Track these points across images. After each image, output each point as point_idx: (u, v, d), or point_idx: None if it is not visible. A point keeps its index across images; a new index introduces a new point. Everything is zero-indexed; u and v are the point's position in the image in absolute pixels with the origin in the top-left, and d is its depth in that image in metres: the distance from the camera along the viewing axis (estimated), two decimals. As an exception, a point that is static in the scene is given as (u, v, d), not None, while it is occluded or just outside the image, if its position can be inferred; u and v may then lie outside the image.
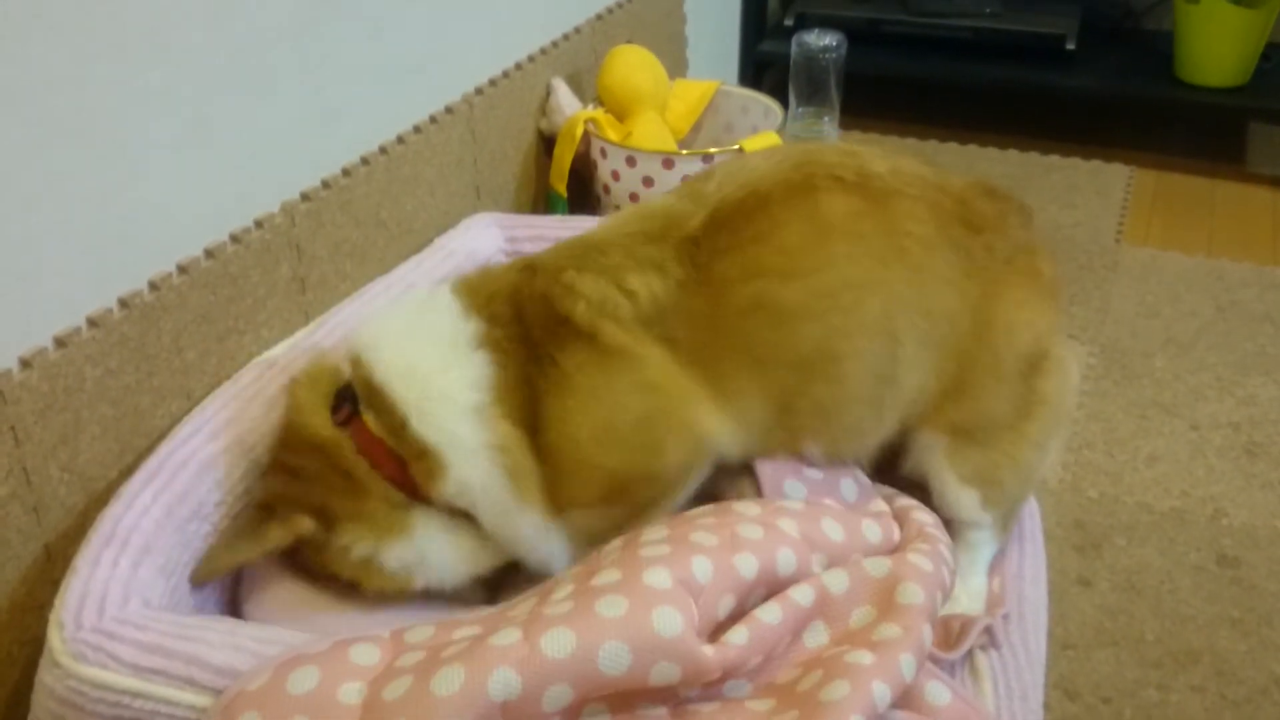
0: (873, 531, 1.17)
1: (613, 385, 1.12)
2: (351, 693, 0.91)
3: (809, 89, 2.30)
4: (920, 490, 1.28)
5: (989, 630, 1.23)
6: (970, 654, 1.22)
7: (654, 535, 1.02)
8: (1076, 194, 2.55)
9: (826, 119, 2.32)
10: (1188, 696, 1.34)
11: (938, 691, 1.12)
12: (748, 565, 1.04)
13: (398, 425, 1.10)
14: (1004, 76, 2.77)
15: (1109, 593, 1.48)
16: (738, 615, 1.03)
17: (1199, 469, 1.71)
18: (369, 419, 1.11)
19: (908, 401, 1.17)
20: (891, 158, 1.21)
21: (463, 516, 1.14)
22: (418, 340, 1.14)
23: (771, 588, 1.07)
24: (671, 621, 0.93)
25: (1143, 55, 2.82)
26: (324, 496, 1.11)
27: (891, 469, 1.30)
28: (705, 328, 1.13)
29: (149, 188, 1.18)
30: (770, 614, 1.03)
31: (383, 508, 1.11)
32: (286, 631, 1.05)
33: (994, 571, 1.30)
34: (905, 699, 1.12)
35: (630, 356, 1.11)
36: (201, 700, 0.97)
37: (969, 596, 1.26)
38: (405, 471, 1.11)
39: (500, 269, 1.21)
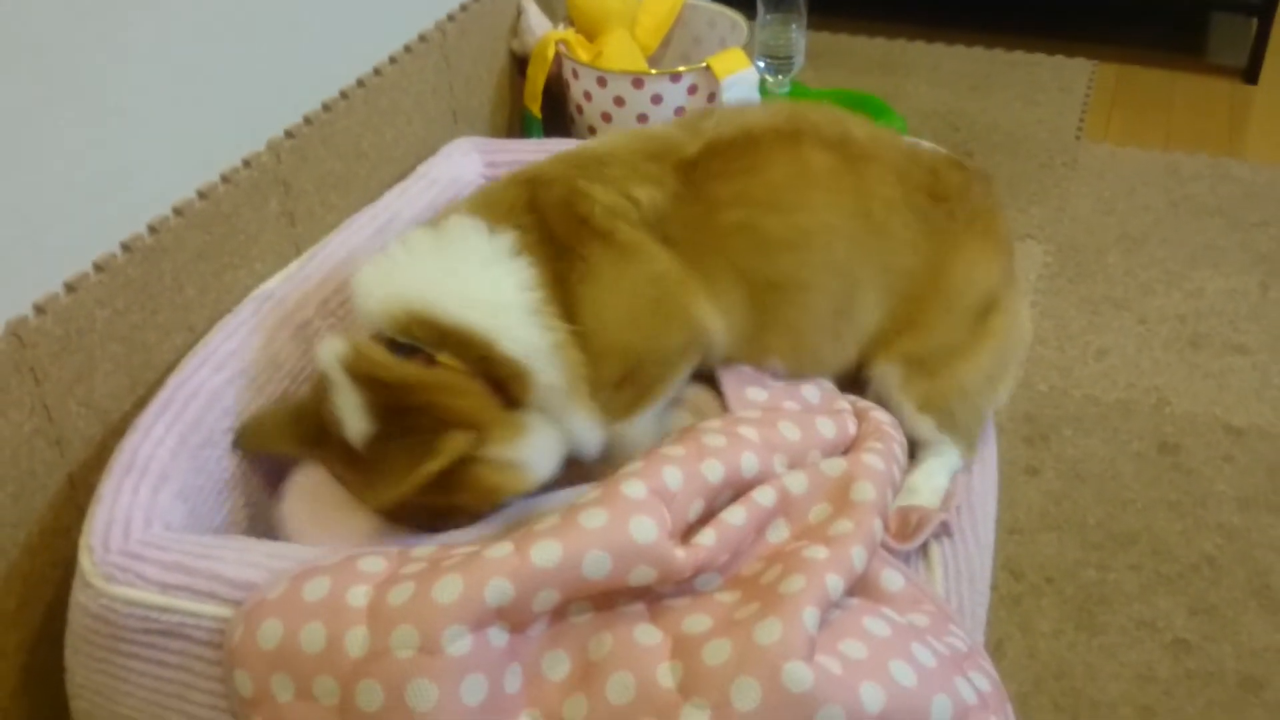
0: (827, 428, 1.28)
1: (630, 274, 1.23)
2: (359, 595, 1.02)
3: (775, -5, 2.35)
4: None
5: (944, 524, 1.34)
6: (925, 543, 1.33)
7: (631, 468, 1.12)
8: (1039, 91, 2.61)
9: (794, 25, 2.36)
10: (1125, 574, 1.46)
11: (892, 578, 1.23)
12: (714, 471, 1.14)
13: (485, 353, 1.17)
14: (969, -27, 2.81)
15: (1054, 480, 1.59)
16: (707, 517, 1.14)
17: (1145, 361, 1.81)
18: (446, 359, 1.18)
19: (863, 336, 1.32)
20: (873, 127, 1.36)
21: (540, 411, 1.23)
22: (461, 270, 1.21)
23: (737, 489, 1.17)
24: (647, 528, 1.04)
25: (1104, -52, 2.86)
26: (462, 419, 1.15)
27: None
28: (698, 235, 1.26)
29: (142, 136, 1.26)
30: (736, 516, 1.13)
31: (507, 417, 1.18)
32: (296, 547, 1.15)
33: (949, 468, 1.42)
34: (862, 586, 1.23)
35: (642, 251, 1.24)
36: (223, 611, 1.07)
37: (930, 491, 1.37)
38: (502, 387, 1.19)
39: (497, 187, 1.29)
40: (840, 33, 2.88)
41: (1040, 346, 1.83)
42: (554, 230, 1.23)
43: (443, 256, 1.23)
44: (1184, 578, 1.45)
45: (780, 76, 2.41)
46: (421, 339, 1.18)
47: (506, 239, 1.22)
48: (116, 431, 1.23)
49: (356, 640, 0.99)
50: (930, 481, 1.37)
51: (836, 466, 1.22)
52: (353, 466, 1.20)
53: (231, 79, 1.37)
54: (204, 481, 1.24)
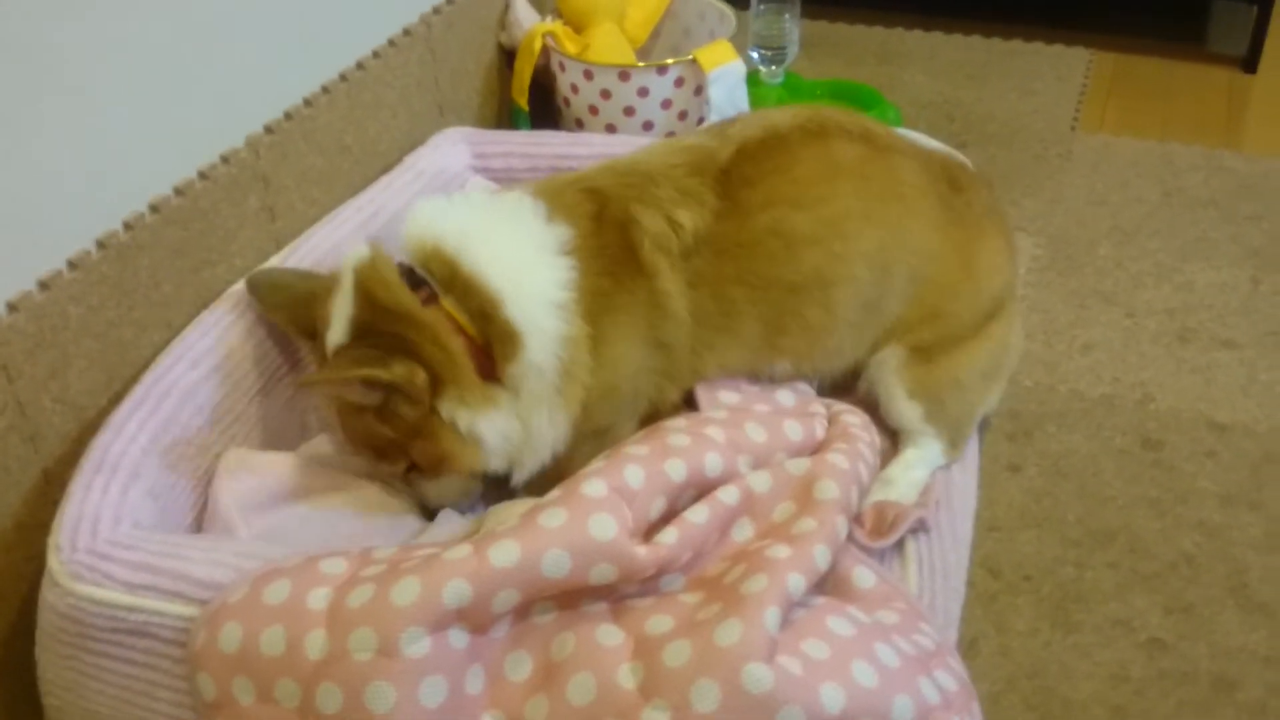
0: (794, 430, 1.28)
1: (647, 335, 1.28)
2: (319, 598, 1.02)
3: (769, -15, 2.33)
4: (871, 412, 1.41)
5: (921, 520, 1.34)
6: (901, 539, 1.33)
7: (592, 467, 1.12)
8: (1036, 80, 2.60)
9: (788, 15, 2.35)
10: (1102, 572, 1.45)
11: (863, 575, 1.23)
12: (676, 470, 1.15)
13: (488, 309, 1.20)
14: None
15: (1036, 477, 1.59)
16: (669, 516, 1.14)
17: (1131, 356, 1.80)
18: (449, 304, 1.21)
19: (886, 327, 1.36)
20: (889, 128, 1.41)
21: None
22: (506, 238, 1.24)
23: (701, 489, 1.18)
24: (606, 527, 1.04)
25: (1104, -64, 2.84)
26: (429, 363, 1.18)
27: (848, 390, 1.42)
28: (726, 255, 1.29)
29: (118, 133, 1.26)
30: (698, 515, 1.14)
31: (476, 382, 1.21)
32: (264, 546, 1.16)
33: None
34: (833, 583, 1.23)
35: (668, 310, 1.28)
36: (189, 611, 1.08)
37: (907, 485, 1.37)
38: (485, 355, 1.21)
39: (561, 187, 1.32)
40: (838, 21, 2.87)
41: (1027, 341, 1.83)
42: (609, 248, 1.26)
43: (494, 218, 1.26)
44: (1161, 576, 1.45)
45: (774, 67, 2.40)
46: (435, 275, 1.21)
47: (563, 234, 1.24)
48: (92, 427, 1.24)
49: (316, 643, 1.00)
50: (908, 474, 1.38)
51: (800, 465, 1.22)
52: (321, 367, 1.25)
53: (210, 75, 1.37)
54: (176, 479, 1.25)
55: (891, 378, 1.38)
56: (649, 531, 1.12)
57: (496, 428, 1.22)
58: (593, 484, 1.08)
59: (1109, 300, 1.92)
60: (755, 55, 2.40)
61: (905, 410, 1.38)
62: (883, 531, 1.33)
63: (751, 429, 1.25)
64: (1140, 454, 1.62)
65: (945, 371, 1.38)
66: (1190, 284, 1.95)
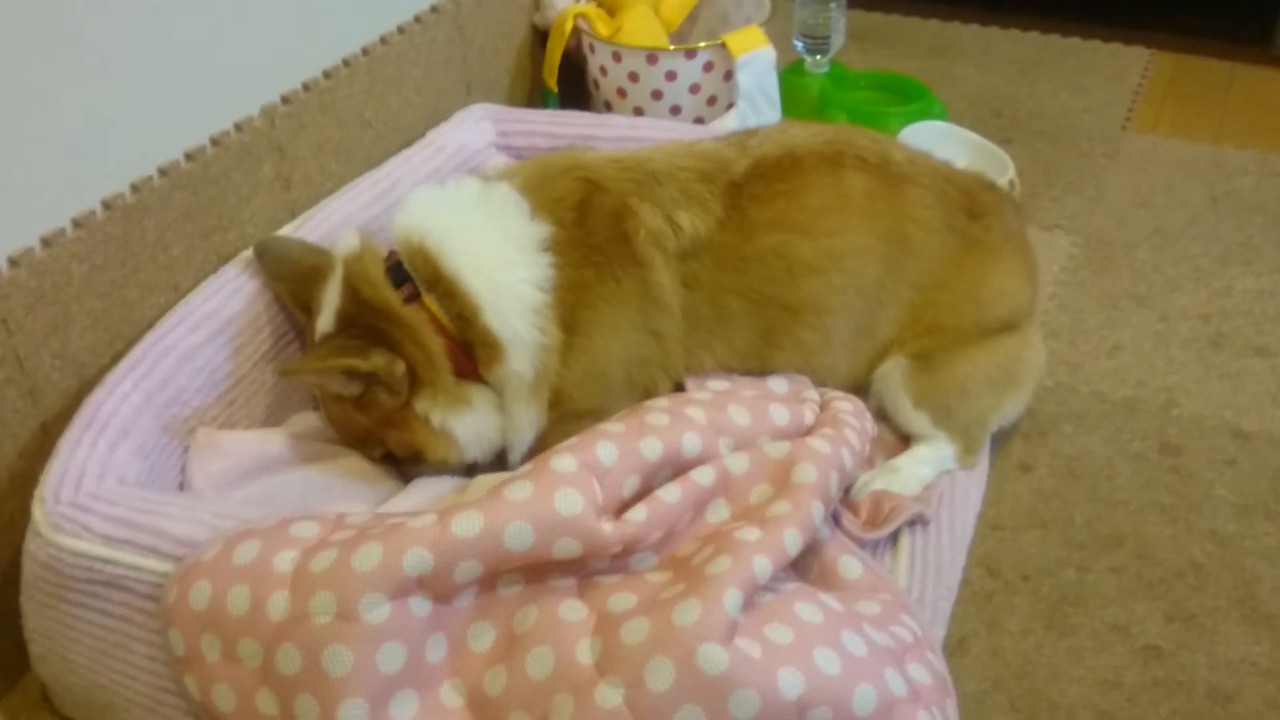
0: (780, 414, 1.27)
1: (637, 322, 1.29)
2: (286, 561, 1.03)
3: (816, -27, 2.31)
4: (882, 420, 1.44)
5: (919, 515, 1.32)
6: (896, 531, 1.32)
7: (566, 443, 1.12)
8: (1090, 78, 2.54)
9: (834, 4, 2.33)
10: (1105, 577, 1.42)
11: (850, 565, 1.22)
12: (652, 448, 1.14)
13: (468, 314, 1.23)
14: (1027, -44, 2.75)
15: (1047, 477, 1.55)
16: (644, 494, 1.14)
17: (1159, 359, 1.76)
18: (430, 303, 1.23)
19: (879, 349, 1.38)
20: (911, 150, 1.41)
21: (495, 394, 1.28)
22: (487, 236, 1.26)
23: (679, 469, 1.17)
24: (572, 501, 1.04)
25: (1170, -67, 2.78)
26: (407, 360, 1.22)
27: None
28: (726, 265, 1.31)
29: (129, 95, 1.28)
30: (670, 493, 1.13)
31: (451, 381, 1.24)
32: (242, 507, 1.18)
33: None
34: (819, 571, 1.22)
35: (661, 301, 1.29)
36: (164, 566, 1.10)
37: (912, 477, 1.37)
38: (465, 354, 1.24)
39: (556, 172, 1.32)
40: (892, 14, 2.83)
41: (1052, 340, 1.79)
42: (594, 237, 1.27)
43: (478, 214, 1.27)
44: (1166, 583, 1.41)
45: (818, 56, 2.37)
46: (419, 272, 1.23)
47: (543, 230, 1.25)
48: (92, 384, 1.26)
49: (278, 605, 1.01)
50: (915, 468, 1.37)
51: (780, 449, 1.21)
52: (309, 349, 1.29)
53: (226, 44, 1.39)
54: (168, 439, 1.27)
55: (897, 389, 1.39)
56: (621, 509, 1.11)
57: (469, 425, 1.25)
58: (563, 459, 1.08)
59: (1142, 303, 1.88)
60: (800, 45, 2.38)
61: (913, 418, 1.39)
62: (877, 523, 1.32)
63: (735, 411, 1.24)
64: (1157, 459, 1.58)
65: (948, 378, 1.38)
66: (1229, 289, 1.90)
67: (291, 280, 1.33)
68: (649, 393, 1.33)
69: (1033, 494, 1.53)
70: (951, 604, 1.31)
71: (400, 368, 1.20)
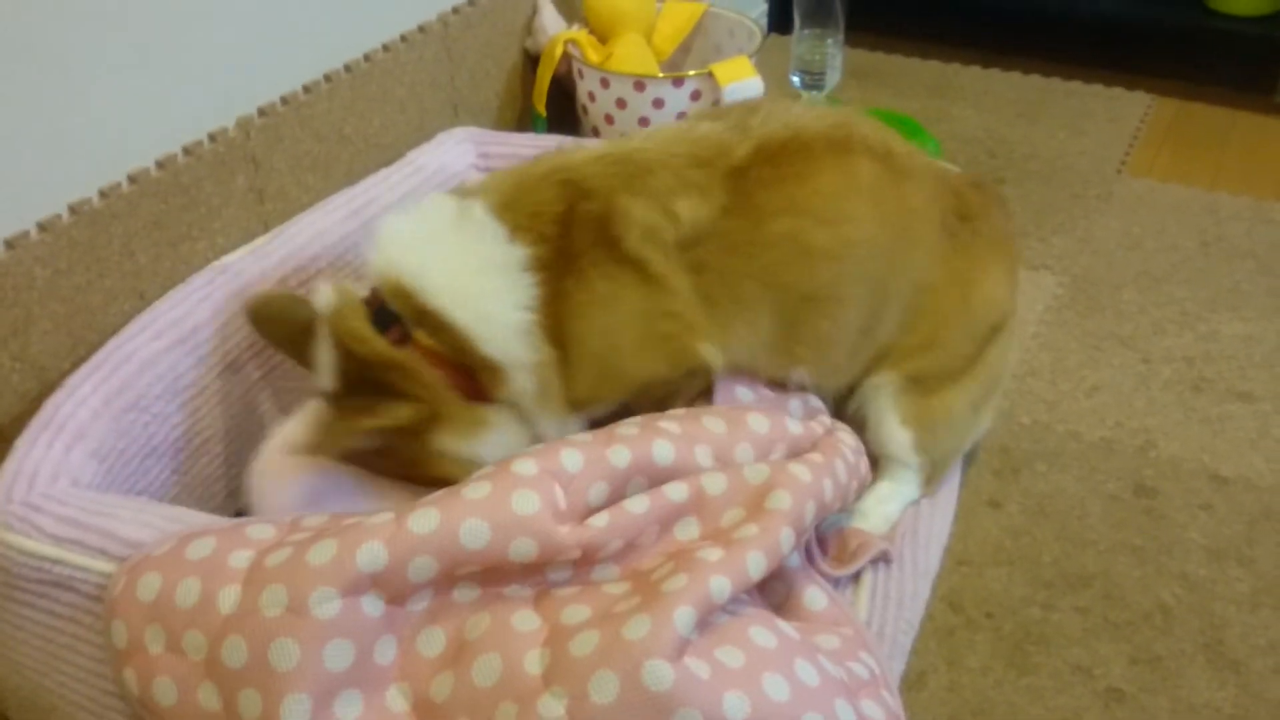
0: (759, 423, 1.25)
1: (647, 308, 1.24)
2: (241, 558, 1.03)
3: (813, 9, 2.32)
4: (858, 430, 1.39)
5: (885, 553, 1.31)
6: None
7: (529, 449, 1.11)
8: (1088, 121, 2.54)
9: (830, 41, 2.34)
10: (1070, 616, 1.40)
11: (815, 596, 1.21)
12: (620, 455, 1.13)
13: (463, 345, 1.19)
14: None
15: (1017, 515, 1.54)
16: (613, 503, 1.12)
17: (1139, 401, 1.74)
18: (422, 337, 1.20)
19: (878, 350, 1.34)
20: (908, 144, 1.37)
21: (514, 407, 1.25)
22: (466, 267, 1.21)
23: (654, 478, 1.16)
24: (529, 502, 1.03)
25: (1173, -20, 2.78)
26: (415, 400, 1.18)
27: (839, 410, 1.40)
28: (737, 251, 1.26)
29: (100, 101, 1.29)
30: (637, 504, 1.12)
31: (463, 411, 1.21)
32: (192, 512, 1.17)
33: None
34: (785, 600, 1.21)
35: (666, 285, 1.24)
36: (110, 568, 1.09)
37: (879, 517, 1.35)
38: (471, 378, 1.21)
39: (533, 181, 1.27)
40: (894, 53, 2.84)
41: (1031, 379, 1.78)
42: (577, 246, 1.23)
43: (453, 243, 1.23)
44: (1133, 625, 1.40)
45: (815, 92, 2.38)
46: (405, 313, 1.20)
47: (522, 252, 1.21)
48: (52, 388, 1.26)
49: (229, 598, 1.00)
50: (881, 507, 1.35)
51: (760, 473, 1.20)
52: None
53: (203, 52, 1.39)
54: (126, 445, 1.27)
55: (886, 403, 1.36)
56: (587, 515, 1.10)
57: (492, 444, 1.22)
58: (523, 463, 1.07)
59: (1125, 344, 1.86)
60: (796, 80, 2.39)
61: (896, 436, 1.36)
62: (844, 560, 1.30)
63: (709, 421, 1.23)
64: (1131, 501, 1.57)
65: (941, 403, 1.36)
66: (1214, 334, 1.89)
67: (294, 344, 1.28)
68: (689, 364, 1.30)
69: (1001, 531, 1.52)
70: (912, 638, 1.29)
71: (411, 412, 1.17)
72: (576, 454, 1.11)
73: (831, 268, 1.27)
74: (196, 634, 1.00)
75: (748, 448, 1.23)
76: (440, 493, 1.05)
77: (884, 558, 1.31)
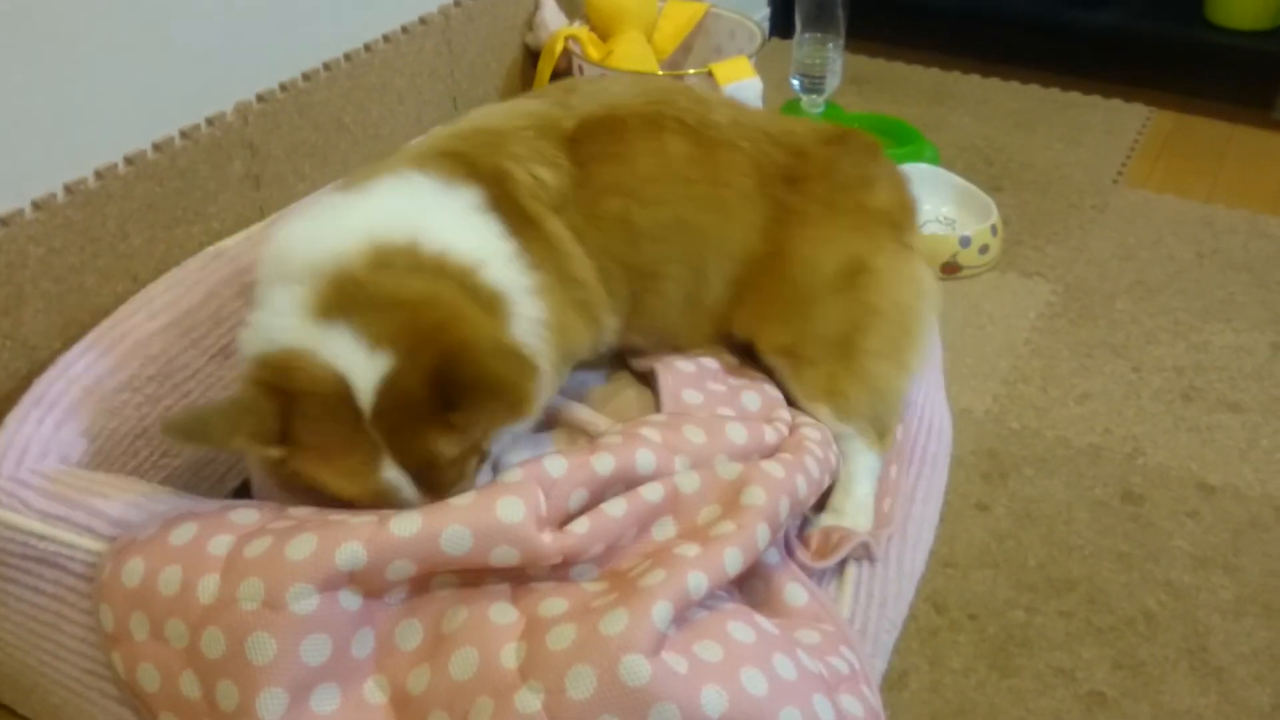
0: (738, 433, 1.25)
1: (567, 269, 1.22)
2: (221, 545, 1.03)
3: (815, 13, 2.33)
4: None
5: (866, 546, 1.31)
6: (844, 562, 1.30)
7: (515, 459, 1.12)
8: (1086, 132, 2.55)
9: (831, 45, 2.35)
10: (1053, 620, 1.41)
11: (795, 592, 1.21)
12: (604, 463, 1.13)
13: (467, 280, 1.10)
14: (1030, 10, 2.76)
15: (1003, 519, 1.54)
16: (592, 508, 1.13)
17: (1129, 409, 1.75)
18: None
19: (714, 318, 1.32)
20: (737, 109, 1.34)
21: None
22: (432, 213, 1.14)
23: (632, 485, 1.16)
24: (513, 509, 1.03)
25: (1173, -6, 2.79)
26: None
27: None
28: (590, 223, 1.24)
29: (99, 82, 1.29)
30: (615, 508, 1.12)
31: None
32: (179, 494, 1.17)
33: (888, 491, 1.38)
34: (765, 597, 1.21)
35: (564, 247, 1.22)
36: (97, 546, 1.09)
37: (853, 507, 1.34)
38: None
39: (426, 155, 1.22)
40: (895, 60, 2.85)
41: (1022, 384, 1.79)
42: (500, 202, 1.19)
43: (404, 202, 1.16)
44: (1116, 630, 1.40)
45: (814, 96, 2.39)
46: (401, 267, 1.08)
47: (470, 195, 1.16)
48: (43, 367, 1.26)
49: (208, 588, 1.00)
50: (850, 499, 1.33)
51: (732, 470, 1.20)
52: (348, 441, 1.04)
53: (202, 37, 1.40)
54: (118, 424, 1.27)
55: (788, 383, 1.34)
56: (566, 521, 1.11)
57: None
58: (510, 471, 1.08)
59: (1117, 353, 1.87)
60: (796, 83, 2.39)
61: (814, 411, 1.33)
62: (825, 553, 1.31)
63: (690, 430, 1.23)
64: (1118, 507, 1.57)
65: (835, 368, 1.32)
66: (1206, 344, 1.89)
67: (227, 430, 1.05)
68: (599, 334, 1.28)
69: (987, 534, 1.52)
70: (895, 637, 1.29)
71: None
72: (560, 460, 1.11)
73: (654, 247, 1.27)
74: (178, 622, 1.00)
75: (724, 459, 1.24)
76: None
77: (866, 552, 1.31)
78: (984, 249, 2.04)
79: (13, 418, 1.19)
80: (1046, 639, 1.38)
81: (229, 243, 1.45)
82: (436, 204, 1.17)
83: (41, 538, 1.11)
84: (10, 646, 1.15)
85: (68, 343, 1.29)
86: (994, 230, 2.06)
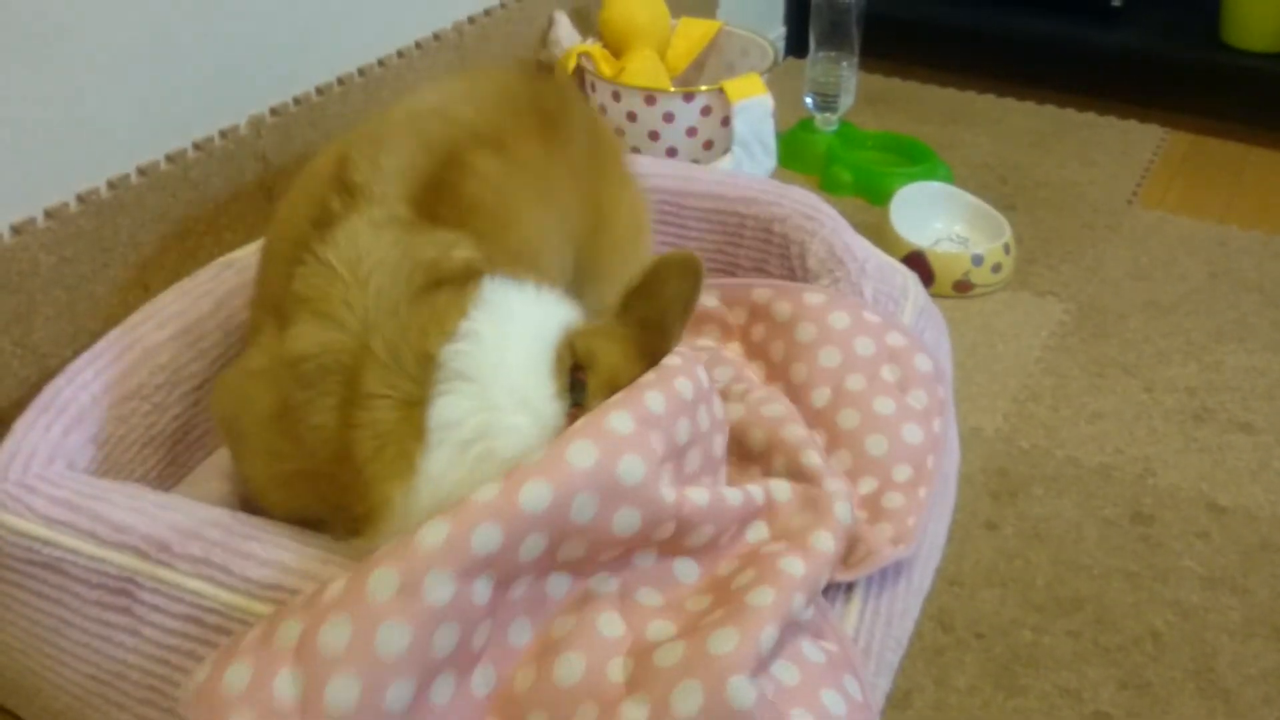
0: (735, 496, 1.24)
1: None
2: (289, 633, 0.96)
3: (829, 32, 2.34)
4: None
5: (899, 561, 1.30)
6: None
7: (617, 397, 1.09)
8: (1101, 152, 2.55)
9: (845, 64, 2.35)
10: (1061, 639, 1.40)
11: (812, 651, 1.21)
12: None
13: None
14: (1045, 30, 2.76)
15: (1012, 538, 1.54)
16: (695, 441, 1.11)
17: (1140, 429, 1.74)
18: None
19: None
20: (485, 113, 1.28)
21: None
22: None
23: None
24: (634, 468, 0.99)
25: (1189, 16, 2.78)
26: None
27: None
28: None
29: (112, 93, 1.30)
30: (733, 496, 1.12)
31: None
32: (186, 501, 1.17)
33: (914, 510, 1.38)
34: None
35: None
36: (101, 552, 1.09)
37: None
38: None
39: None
40: (910, 80, 2.86)
41: (1033, 403, 1.78)
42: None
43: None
44: (1123, 650, 1.39)
45: (828, 114, 2.39)
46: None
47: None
48: (52, 374, 1.26)
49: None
50: None
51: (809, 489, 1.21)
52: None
53: (217, 50, 1.41)
54: (125, 432, 1.27)
55: None
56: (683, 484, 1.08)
57: None
58: (619, 418, 1.02)
59: (1129, 372, 1.86)
60: (810, 101, 2.40)
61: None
62: (850, 564, 1.30)
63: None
64: (1128, 527, 1.56)
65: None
66: (1219, 364, 1.88)
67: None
68: None
69: (995, 552, 1.52)
70: (900, 656, 1.28)
71: None
72: (658, 395, 1.06)
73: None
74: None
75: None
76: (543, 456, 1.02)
77: (895, 569, 1.31)
78: (997, 267, 2.04)
79: (21, 424, 1.19)
80: (1053, 659, 1.37)
81: (239, 254, 1.45)
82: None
83: (45, 543, 1.11)
84: (14, 651, 1.16)
85: (78, 351, 1.30)
86: (1007, 249, 2.05)
